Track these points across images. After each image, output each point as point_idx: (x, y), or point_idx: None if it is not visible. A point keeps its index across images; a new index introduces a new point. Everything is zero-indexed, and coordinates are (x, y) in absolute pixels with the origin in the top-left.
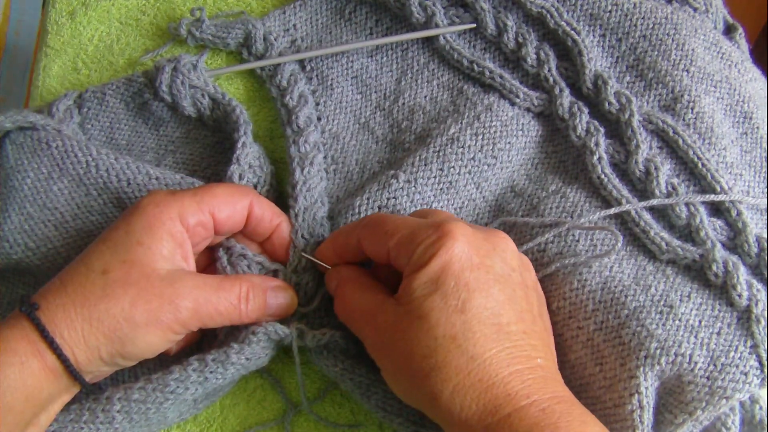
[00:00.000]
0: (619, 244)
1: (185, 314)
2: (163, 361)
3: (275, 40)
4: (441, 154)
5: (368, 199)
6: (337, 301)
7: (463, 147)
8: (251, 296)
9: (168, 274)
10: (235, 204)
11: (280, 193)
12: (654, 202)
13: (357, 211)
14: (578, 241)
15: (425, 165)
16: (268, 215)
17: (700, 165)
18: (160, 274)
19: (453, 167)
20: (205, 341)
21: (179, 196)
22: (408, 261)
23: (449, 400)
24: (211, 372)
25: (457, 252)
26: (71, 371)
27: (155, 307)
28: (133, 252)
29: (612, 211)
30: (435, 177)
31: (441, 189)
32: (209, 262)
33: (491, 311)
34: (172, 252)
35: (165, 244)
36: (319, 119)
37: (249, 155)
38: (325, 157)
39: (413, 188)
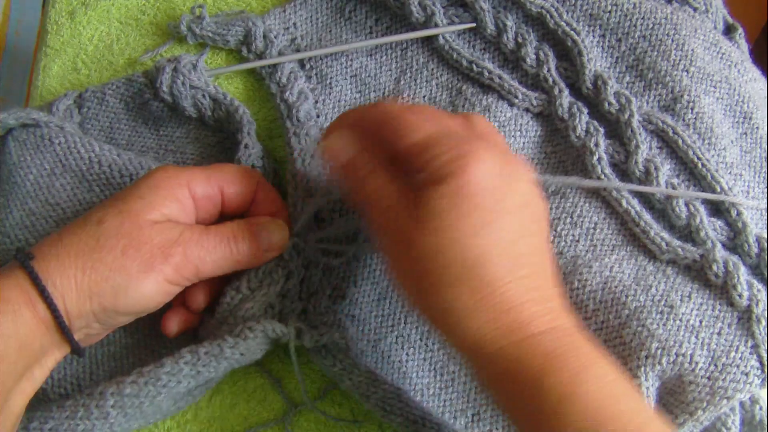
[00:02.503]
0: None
1: (178, 258)
2: (156, 353)
3: (275, 38)
4: None
5: None
6: (359, 178)
7: None
8: (238, 233)
9: (157, 224)
10: (243, 183)
11: (281, 191)
12: (636, 186)
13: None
14: (578, 241)
15: None
16: (271, 200)
17: (699, 165)
18: (152, 225)
19: None
20: (200, 326)
21: (189, 168)
22: (423, 168)
23: (461, 319)
24: (204, 365)
25: (479, 176)
26: (58, 320)
27: (146, 255)
28: (131, 203)
29: (591, 183)
30: None
31: None
32: None
33: (508, 239)
34: (175, 214)
35: (168, 204)
36: (318, 117)
37: (251, 156)
38: None
39: None
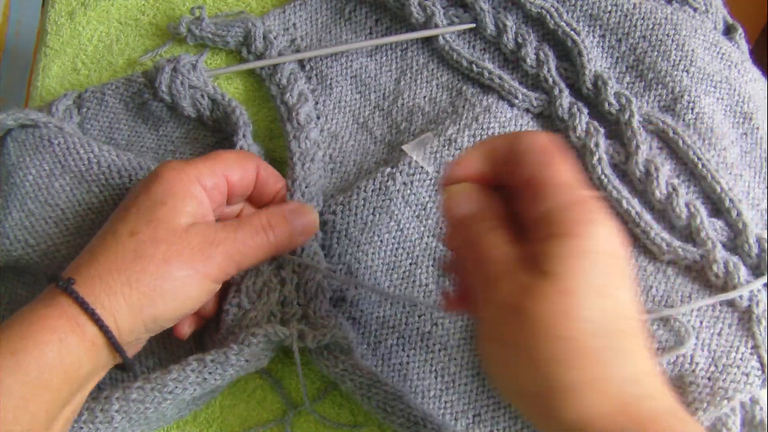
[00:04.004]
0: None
1: (219, 258)
2: (162, 361)
3: (275, 38)
4: (438, 156)
5: (365, 200)
6: (474, 236)
7: (460, 149)
8: (273, 223)
9: (192, 227)
10: (245, 166)
11: None
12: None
13: (354, 212)
14: None
15: (422, 168)
16: (273, 179)
17: (700, 165)
18: (186, 228)
19: None
20: (206, 338)
21: (193, 162)
22: (546, 211)
23: (580, 393)
24: (209, 373)
25: (608, 233)
26: (112, 341)
27: (188, 259)
28: (158, 212)
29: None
30: (431, 179)
31: (437, 190)
32: None
33: (632, 304)
34: (195, 210)
35: (188, 202)
36: (318, 118)
37: None
38: (323, 155)
39: (409, 190)
